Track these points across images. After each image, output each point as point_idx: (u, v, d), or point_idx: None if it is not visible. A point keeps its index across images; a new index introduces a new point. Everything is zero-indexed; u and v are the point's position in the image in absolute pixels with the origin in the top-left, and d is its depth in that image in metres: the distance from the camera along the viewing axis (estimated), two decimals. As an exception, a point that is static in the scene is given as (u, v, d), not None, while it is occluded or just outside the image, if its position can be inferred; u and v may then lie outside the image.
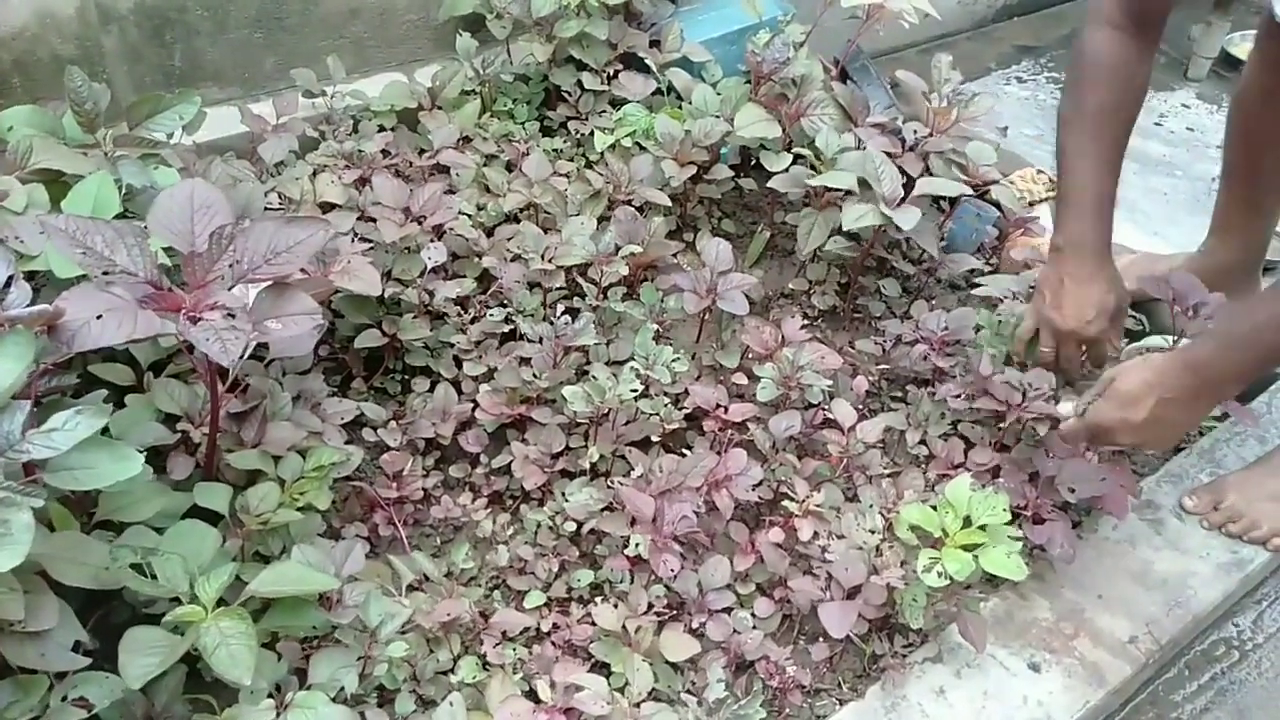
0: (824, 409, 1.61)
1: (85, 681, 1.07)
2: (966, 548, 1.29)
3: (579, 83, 2.05)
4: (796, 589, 1.39)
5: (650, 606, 1.36)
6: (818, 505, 1.46)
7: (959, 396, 1.60)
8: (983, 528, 1.30)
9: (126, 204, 1.34)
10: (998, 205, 1.98)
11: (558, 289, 1.70)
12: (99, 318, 1.01)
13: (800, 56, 1.90)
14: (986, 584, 1.49)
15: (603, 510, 1.43)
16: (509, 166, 1.93)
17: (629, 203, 1.80)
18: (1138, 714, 1.48)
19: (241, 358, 1.13)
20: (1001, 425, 1.59)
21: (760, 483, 1.49)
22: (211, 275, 1.10)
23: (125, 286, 1.06)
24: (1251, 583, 1.61)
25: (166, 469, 1.29)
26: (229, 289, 1.10)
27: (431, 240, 1.66)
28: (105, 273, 1.06)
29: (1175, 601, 1.50)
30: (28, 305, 1.03)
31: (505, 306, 1.67)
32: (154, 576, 1.11)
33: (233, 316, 1.06)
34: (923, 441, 1.65)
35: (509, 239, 1.74)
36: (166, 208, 1.15)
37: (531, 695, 1.26)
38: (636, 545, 1.36)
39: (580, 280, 1.70)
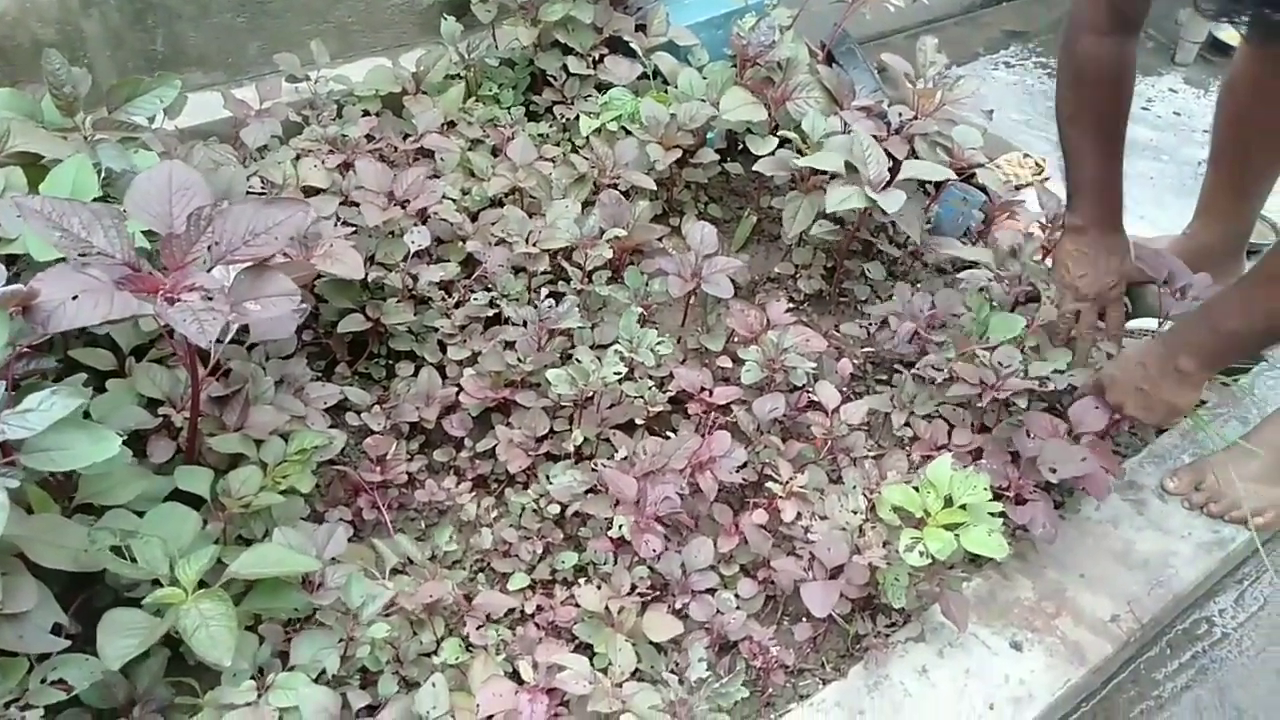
0: (808, 392, 1.61)
1: (65, 664, 1.08)
2: (948, 527, 1.29)
3: (564, 67, 2.04)
4: (780, 569, 1.39)
5: (634, 588, 1.37)
6: (801, 487, 1.46)
7: (938, 378, 1.60)
8: (964, 507, 1.30)
9: (106, 188, 1.34)
10: (984, 189, 1.98)
11: (542, 273, 1.70)
12: (75, 298, 1.01)
13: (786, 40, 1.89)
14: (969, 564, 1.50)
15: (587, 493, 1.44)
16: (494, 151, 1.93)
17: (614, 187, 1.80)
18: (1119, 692, 1.49)
19: (222, 341, 1.13)
20: (980, 405, 1.59)
21: (744, 465, 1.49)
22: (190, 257, 1.10)
23: (102, 268, 1.05)
24: (1233, 562, 1.62)
25: (147, 453, 1.30)
26: (207, 270, 1.10)
27: (415, 224, 1.65)
28: (82, 254, 1.06)
29: (1157, 581, 1.51)
30: (2, 286, 1.02)
31: (489, 290, 1.67)
32: (134, 559, 1.11)
33: (210, 298, 1.05)
34: (907, 423, 1.65)
35: (493, 223, 1.73)
36: (144, 189, 1.14)
37: (514, 676, 1.26)
38: (620, 527, 1.36)
39: (565, 264, 1.70)
